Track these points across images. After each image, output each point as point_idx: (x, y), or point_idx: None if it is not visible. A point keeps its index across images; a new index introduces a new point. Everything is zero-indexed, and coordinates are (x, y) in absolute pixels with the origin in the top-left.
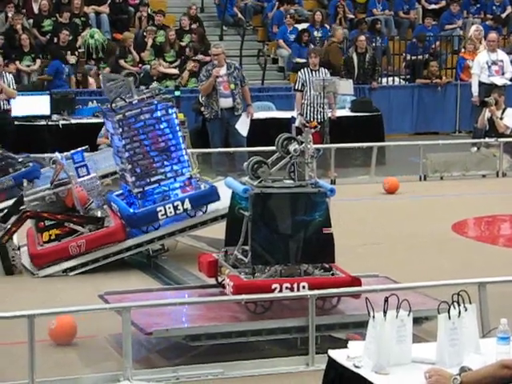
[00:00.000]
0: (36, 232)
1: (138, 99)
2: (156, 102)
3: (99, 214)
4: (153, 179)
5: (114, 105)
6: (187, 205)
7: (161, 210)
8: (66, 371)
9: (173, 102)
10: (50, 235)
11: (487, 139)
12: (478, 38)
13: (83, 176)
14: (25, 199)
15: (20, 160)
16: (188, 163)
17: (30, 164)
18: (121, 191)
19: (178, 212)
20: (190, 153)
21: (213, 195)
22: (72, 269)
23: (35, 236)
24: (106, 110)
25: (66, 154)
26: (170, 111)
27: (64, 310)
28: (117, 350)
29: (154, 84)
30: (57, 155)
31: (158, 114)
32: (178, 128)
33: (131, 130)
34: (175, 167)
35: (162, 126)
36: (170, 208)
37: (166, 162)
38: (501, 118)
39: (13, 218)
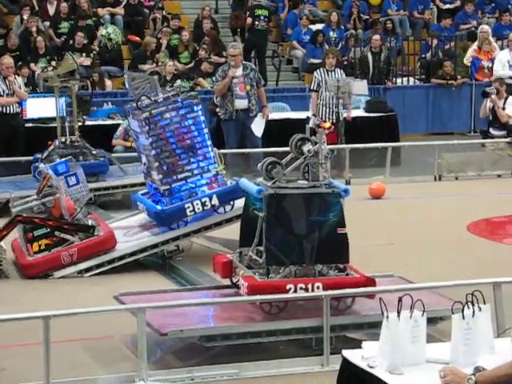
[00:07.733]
0: (25, 243)
1: (163, 97)
2: (181, 100)
3: (90, 222)
4: (179, 176)
5: (139, 103)
6: (215, 201)
7: (189, 207)
8: (81, 372)
9: (198, 99)
10: (40, 245)
11: (502, 140)
12: (484, 39)
13: (73, 185)
14: (12, 210)
15: (94, 152)
16: (214, 160)
17: (101, 158)
18: (145, 190)
19: (205, 208)
20: (216, 149)
21: (239, 191)
22: (87, 270)
23: (23, 247)
24: (132, 109)
25: (50, 164)
26: (195, 108)
27: (80, 310)
28: (132, 350)
29: (178, 82)
30: (42, 166)
31: (183, 111)
32: (203, 125)
33: (157, 127)
34: (201, 164)
35: (187, 124)
36: (197, 204)
37: (192, 159)
38: (503, 108)
39: None
